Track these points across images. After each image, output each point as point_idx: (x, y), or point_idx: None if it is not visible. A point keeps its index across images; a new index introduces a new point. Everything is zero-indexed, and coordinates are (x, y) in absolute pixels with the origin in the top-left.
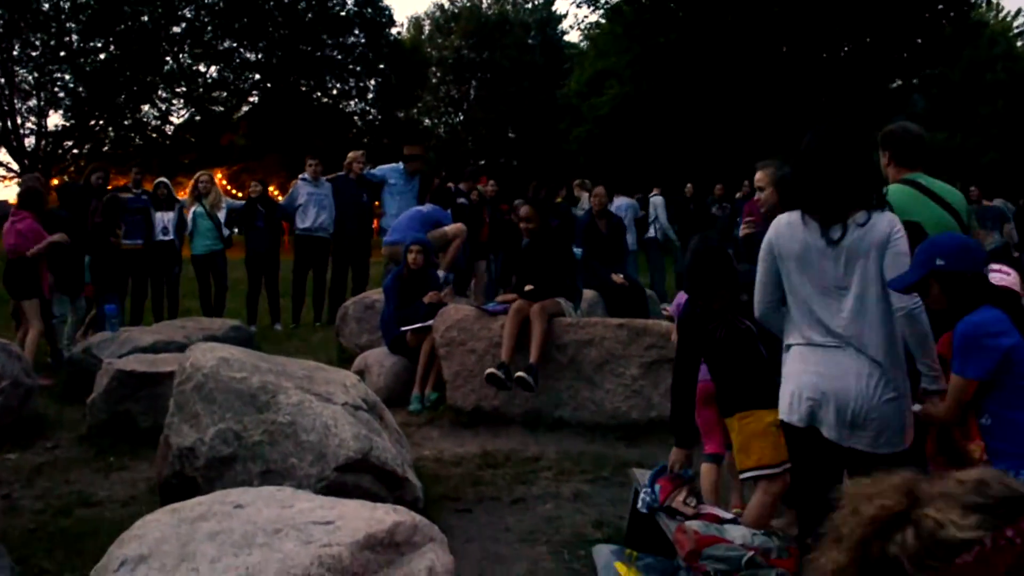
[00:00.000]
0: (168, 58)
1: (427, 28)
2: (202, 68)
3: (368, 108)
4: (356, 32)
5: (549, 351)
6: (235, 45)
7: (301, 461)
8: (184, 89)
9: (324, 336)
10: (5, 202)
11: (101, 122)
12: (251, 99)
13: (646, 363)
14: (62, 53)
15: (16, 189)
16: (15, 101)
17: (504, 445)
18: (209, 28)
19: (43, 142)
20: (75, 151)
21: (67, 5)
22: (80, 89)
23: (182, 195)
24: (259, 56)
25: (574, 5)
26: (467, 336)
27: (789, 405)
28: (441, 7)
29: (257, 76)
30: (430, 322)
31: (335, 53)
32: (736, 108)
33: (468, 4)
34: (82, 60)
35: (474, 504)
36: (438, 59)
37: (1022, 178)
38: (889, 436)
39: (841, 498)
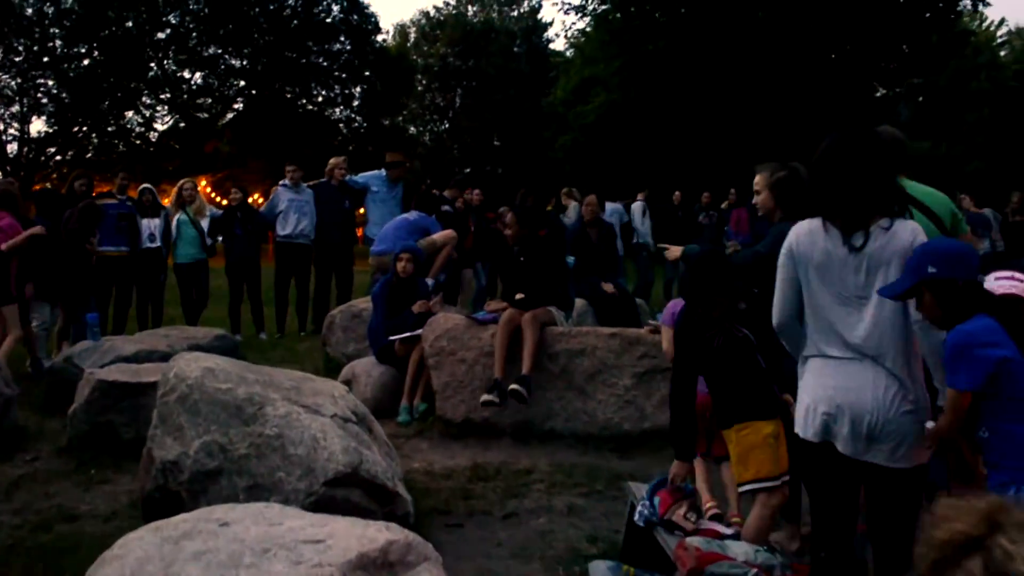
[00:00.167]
0: (152, 64)
1: (413, 35)
2: (187, 74)
3: (353, 115)
4: (342, 39)
5: (540, 361)
6: (220, 52)
7: (289, 475)
8: (168, 95)
9: (310, 345)
10: None
11: (84, 128)
12: (236, 106)
13: (639, 373)
14: (45, 59)
15: None
16: None
17: (495, 457)
18: (194, 34)
19: (26, 148)
20: (58, 158)
21: (51, 11)
22: (63, 95)
23: (166, 202)
24: (244, 63)
25: (561, 12)
26: (457, 345)
27: (804, 419)
28: (427, 15)
29: (242, 83)
30: (419, 331)
31: (320, 60)
32: (723, 116)
33: (454, 12)
34: (66, 66)
35: (465, 518)
36: (424, 67)
37: (1006, 187)
38: (906, 450)
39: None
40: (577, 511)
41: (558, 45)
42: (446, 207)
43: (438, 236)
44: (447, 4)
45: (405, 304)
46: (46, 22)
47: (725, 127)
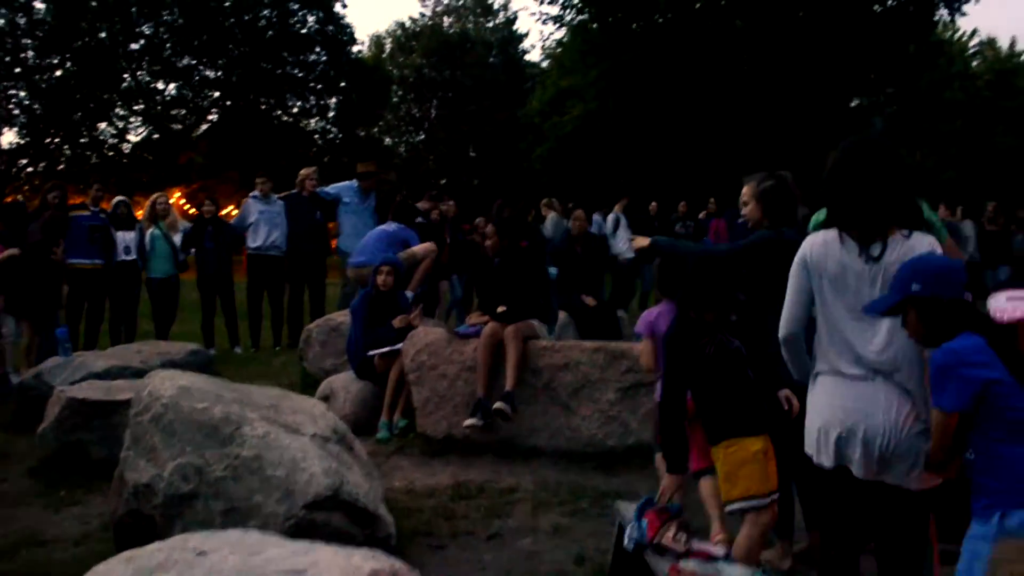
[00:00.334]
0: (126, 75)
1: (388, 46)
2: (161, 85)
3: (329, 126)
4: (317, 50)
5: (523, 375)
6: (194, 62)
7: (267, 498)
8: (142, 106)
9: (286, 360)
10: None
11: (57, 140)
12: (210, 117)
13: (623, 388)
14: (17, 70)
15: None
16: None
17: (477, 475)
18: (168, 45)
19: None
20: (30, 169)
21: (23, 21)
22: (35, 106)
23: (139, 215)
24: (219, 74)
25: (539, 23)
26: (438, 360)
27: (816, 444)
28: (402, 25)
29: (217, 94)
30: (399, 345)
31: (296, 71)
32: (700, 125)
33: (429, 23)
34: (38, 77)
35: (449, 539)
36: (399, 77)
37: (980, 196)
38: (920, 471)
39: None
40: (563, 531)
41: (534, 56)
42: (420, 219)
43: (418, 249)
44: (423, 15)
45: (385, 318)
46: (18, 32)
47: (702, 136)
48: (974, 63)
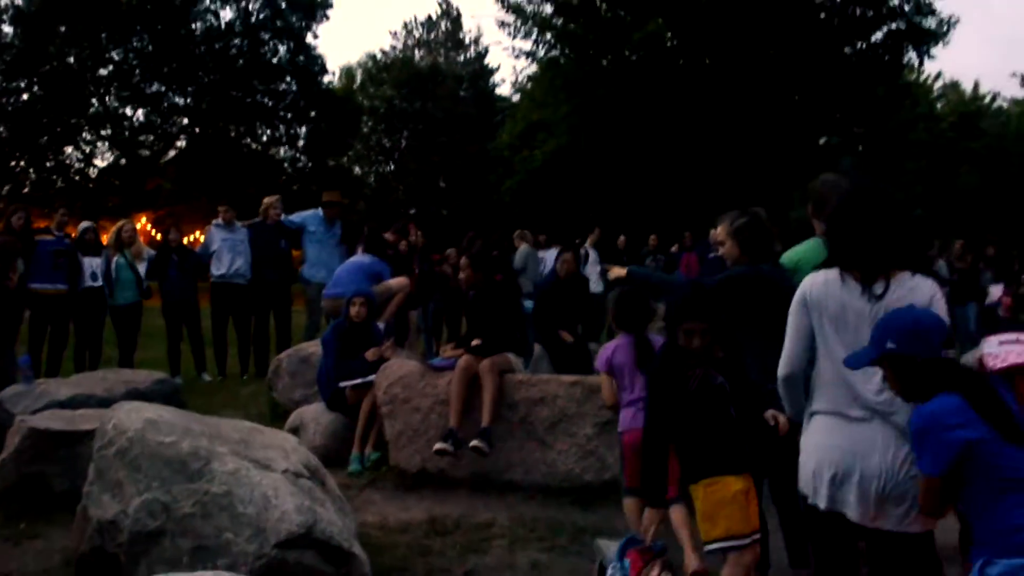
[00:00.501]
0: (94, 100)
1: (359, 77)
2: (129, 111)
3: (298, 155)
4: (288, 79)
5: (499, 410)
6: (164, 89)
7: (237, 536)
8: (110, 132)
9: (254, 389)
10: None
11: (22, 163)
12: (179, 143)
13: (600, 423)
14: None
15: None
16: None
17: (452, 510)
18: (137, 71)
19: None
20: None
21: None
22: (1, 129)
23: (103, 240)
24: (188, 100)
25: (513, 57)
26: (411, 393)
27: (811, 484)
28: (373, 57)
29: (185, 120)
30: (371, 377)
31: (266, 99)
32: (670, 161)
33: (400, 56)
34: (4, 100)
35: None
36: (370, 108)
37: (945, 235)
38: (917, 514)
39: None
40: (541, 568)
41: (504, 90)
42: (388, 251)
43: (394, 283)
44: (394, 48)
45: (357, 349)
46: None
47: (673, 171)
48: (939, 105)
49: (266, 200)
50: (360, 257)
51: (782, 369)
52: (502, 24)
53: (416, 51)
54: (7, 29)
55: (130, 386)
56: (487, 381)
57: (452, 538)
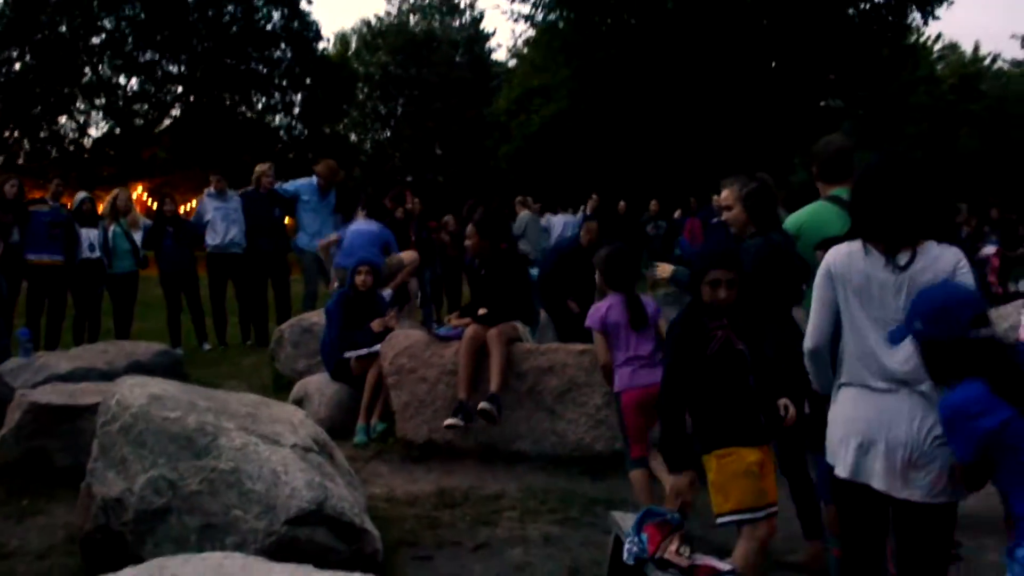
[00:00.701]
0: (87, 69)
1: (354, 44)
2: (123, 80)
3: (294, 123)
4: (282, 46)
5: (507, 379)
6: (157, 57)
7: (246, 514)
8: (104, 101)
9: (256, 360)
10: None
11: (16, 134)
12: (173, 112)
13: (610, 392)
14: None
15: None
16: None
17: (461, 481)
18: (130, 39)
19: None
20: None
21: None
22: None
23: (99, 210)
24: (182, 68)
25: (511, 20)
26: (418, 363)
27: (836, 454)
28: (368, 23)
29: (180, 89)
30: (377, 347)
31: (260, 67)
32: (671, 125)
33: (395, 21)
34: None
35: (434, 550)
36: (365, 75)
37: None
38: (946, 484)
39: None
40: (554, 540)
41: (500, 55)
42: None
43: (406, 256)
44: (388, 13)
45: (362, 319)
46: None
47: (673, 136)
48: (938, 67)
49: (258, 168)
50: (367, 224)
51: (807, 342)
52: None
53: (411, 16)
54: None
55: (131, 358)
56: (494, 349)
57: (461, 510)
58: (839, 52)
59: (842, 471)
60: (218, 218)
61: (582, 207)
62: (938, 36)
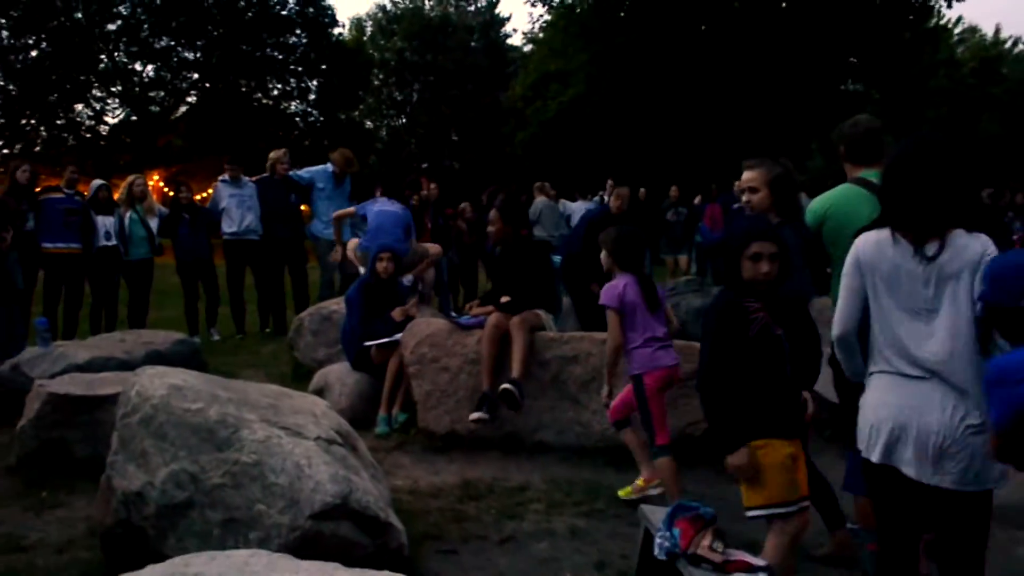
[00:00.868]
0: (103, 56)
1: (369, 29)
2: (138, 67)
3: (309, 109)
4: (297, 32)
5: (530, 368)
6: (173, 44)
7: (270, 508)
8: (120, 88)
9: (275, 348)
10: None
11: (33, 121)
12: (189, 99)
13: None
14: None
15: None
16: None
17: (484, 473)
18: (146, 26)
19: None
20: (5, 151)
21: None
22: (10, 87)
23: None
24: (198, 55)
25: (529, 4)
26: (440, 352)
27: (867, 440)
28: (383, 8)
29: (196, 75)
30: (398, 336)
31: (276, 53)
32: (690, 110)
33: (411, 6)
34: (12, 57)
35: (459, 544)
36: (380, 61)
37: None
38: (977, 472)
39: None
40: (580, 534)
41: (516, 40)
42: None
43: (432, 246)
44: None
45: (383, 307)
46: None
47: (692, 120)
48: (959, 50)
49: (273, 154)
50: (391, 205)
51: (836, 329)
52: None
53: (426, 1)
54: None
55: (150, 348)
56: (517, 337)
57: (486, 502)
58: (860, 35)
59: (874, 456)
60: (233, 205)
61: (600, 192)
62: (958, 19)
